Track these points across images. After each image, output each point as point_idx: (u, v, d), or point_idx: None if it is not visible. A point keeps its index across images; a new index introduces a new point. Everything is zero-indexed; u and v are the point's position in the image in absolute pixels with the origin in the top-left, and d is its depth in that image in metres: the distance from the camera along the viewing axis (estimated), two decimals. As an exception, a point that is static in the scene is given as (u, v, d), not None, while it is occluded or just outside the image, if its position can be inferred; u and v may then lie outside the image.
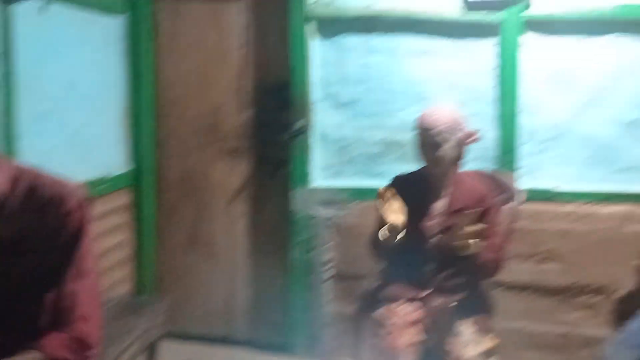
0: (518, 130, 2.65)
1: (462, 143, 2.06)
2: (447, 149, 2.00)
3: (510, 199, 2.28)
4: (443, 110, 2.05)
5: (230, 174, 2.96)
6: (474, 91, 2.68)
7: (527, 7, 2.58)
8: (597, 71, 2.59)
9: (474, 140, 2.14)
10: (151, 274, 3.01)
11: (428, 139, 2.01)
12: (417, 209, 2.04)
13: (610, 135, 2.60)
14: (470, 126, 2.13)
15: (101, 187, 2.63)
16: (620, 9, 2.51)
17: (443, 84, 2.69)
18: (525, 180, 2.66)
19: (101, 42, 2.67)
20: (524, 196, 2.24)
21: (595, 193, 2.63)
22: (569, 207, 2.66)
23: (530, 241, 2.69)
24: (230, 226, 3.00)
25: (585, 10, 2.54)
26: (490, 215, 2.05)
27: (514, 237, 2.26)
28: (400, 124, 2.72)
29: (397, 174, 2.24)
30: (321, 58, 2.76)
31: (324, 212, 2.82)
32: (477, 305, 2.05)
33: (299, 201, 2.80)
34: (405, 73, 2.71)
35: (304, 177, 2.80)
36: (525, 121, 2.66)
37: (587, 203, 2.63)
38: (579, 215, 2.65)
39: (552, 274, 2.68)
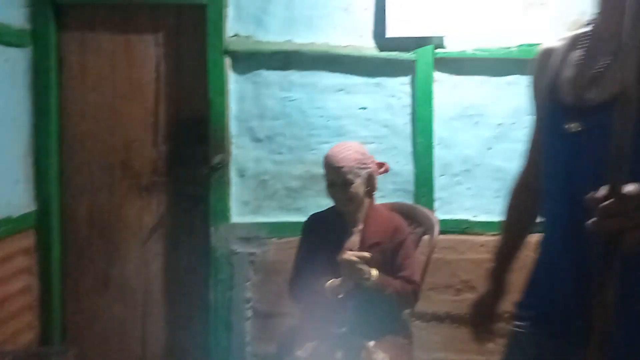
0: (433, 164, 2.72)
1: (373, 176, 2.08)
2: (357, 186, 2.02)
3: (427, 231, 2.33)
4: (348, 148, 2.06)
5: (144, 212, 2.83)
6: (390, 126, 2.74)
7: (440, 45, 2.69)
8: (504, 107, 2.72)
9: (384, 171, 2.18)
10: (58, 322, 2.79)
11: (337, 178, 2.02)
12: (332, 247, 2.03)
13: (518, 168, 2.72)
14: (377, 159, 2.17)
15: (2, 229, 2.43)
16: (524, 48, 2.66)
17: (361, 119, 2.73)
18: (441, 212, 2.74)
19: (3, 75, 2.50)
20: (439, 228, 2.29)
21: (506, 223, 2.73)
22: (482, 238, 2.75)
23: (447, 272, 2.75)
24: (145, 267, 2.85)
25: (493, 49, 2.68)
26: (406, 247, 2.07)
27: (432, 268, 2.30)
28: (320, 158, 2.71)
29: (312, 213, 2.24)
30: (239, 92, 2.72)
31: (243, 248, 2.77)
32: (395, 337, 2.06)
33: (218, 238, 2.73)
34: (324, 108, 2.72)
35: (222, 214, 2.73)
36: (440, 155, 2.74)
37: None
38: (493, 245, 2.74)
39: (469, 303, 2.74)
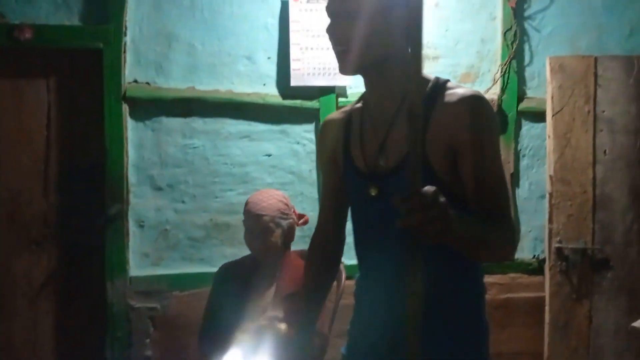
0: (339, 210, 2.73)
1: (293, 227, 2.06)
2: (276, 236, 1.98)
3: (335, 277, 2.31)
4: (271, 196, 2.03)
5: (34, 267, 2.62)
6: (296, 173, 2.73)
7: (342, 94, 2.74)
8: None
9: (304, 223, 2.16)
10: None
11: (257, 226, 1.97)
12: (246, 298, 1.96)
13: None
14: (296, 209, 2.15)
15: None
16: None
17: (266, 166, 2.71)
18: (348, 257, 2.73)
19: None
20: (346, 273, 2.28)
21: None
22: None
23: (355, 319, 2.73)
24: (34, 325, 2.63)
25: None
26: None
27: (339, 315, 2.27)
28: (224, 206, 2.67)
29: (224, 262, 2.18)
30: (138, 139, 2.62)
31: (142, 303, 2.62)
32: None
33: (114, 293, 2.57)
34: (228, 155, 2.68)
35: (119, 267, 2.58)
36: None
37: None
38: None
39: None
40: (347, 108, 1.39)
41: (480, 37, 2.87)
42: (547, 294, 2.78)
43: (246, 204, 2.04)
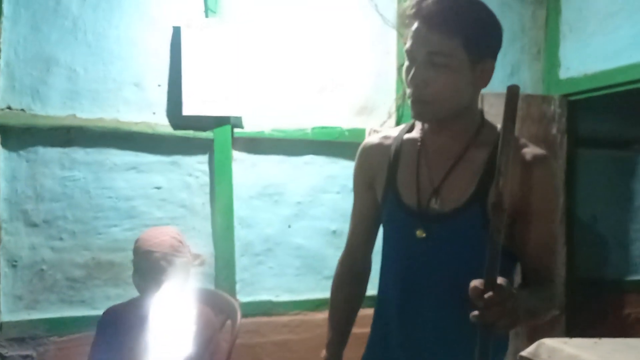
0: (234, 245, 2.64)
1: (187, 266, 1.95)
2: (171, 273, 1.86)
3: (229, 316, 2.23)
4: (164, 233, 1.93)
5: None
6: (188, 206, 2.61)
7: (238, 124, 2.66)
8: (302, 186, 2.77)
9: (200, 264, 2.06)
10: None
11: (147, 264, 1.84)
12: (135, 343, 1.82)
13: (317, 245, 2.78)
14: (192, 248, 2.04)
15: None
16: (317, 130, 2.75)
17: (155, 199, 2.57)
18: (243, 294, 2.66)
19: None
20: (241, 312, 2.20)
21: (307, 301, 2.74)
22: (285, 318, 2.71)
23: (251, 356, 2.64)
24: None
25: (289, 130, 2.73)
26: (214, 343, 1.96)
27: (235, 355, 2.17)
28: (108, 243, 2.49)
29: (108, 305, 2.04)
30: (11, 171, 2.38)
31: (15, 351, 2.38)
32: None
33: (-20, 343, 2.30)
34: (112, 188, 2.50)
35: (-14, 313, 2.32)
36: (240, 235, 2.67)
37: (301, 312, 2.73)
38: (295, 324, 2.72)
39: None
40: (391, 134, 1.36)
41: (376, 71, 2.92)
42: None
43: (136, 241, 1.93)
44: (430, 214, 1.21)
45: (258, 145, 2.71)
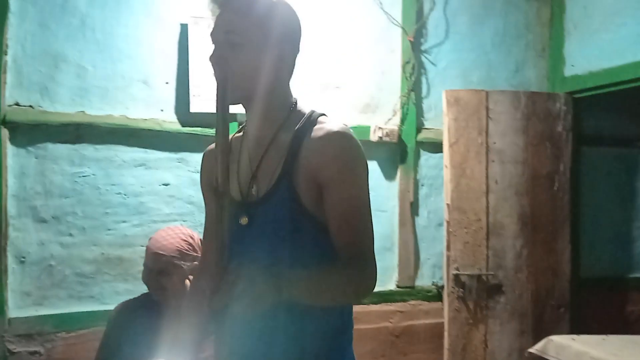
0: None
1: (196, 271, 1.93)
2: (176, 278, 1.83)
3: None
4: (175, 235, 1.88)
5: None
6: (196, 203, 2.62)
7: (244, 122, 2.66)
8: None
9: None
10: None
11: (153, 264, 1.83)
12: (145, 339, 1.81)
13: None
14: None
15: None
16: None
17: (163, 195, 2.58)
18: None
19: None
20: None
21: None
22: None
23: None
24: None
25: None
26: None
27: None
28: (117, 239, 2.50)
29: (118, 300, 2.01)
30: (20, 167, 2.39)
31: (23, 347, 2.38)
32: None
33: (-11, 338, 2.31)
34: (121, 184, 2.52)
35: (-4, 308, 2.33)
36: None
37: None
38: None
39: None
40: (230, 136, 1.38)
41: (381, 69, 2.93)
42: (445, 319, 2.85)
43: (149, 239, 1.90)
44: (250, 201, 1.25)
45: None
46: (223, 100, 1.10)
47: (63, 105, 2.44)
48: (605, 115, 3.32)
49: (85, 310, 2.43)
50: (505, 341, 2.86)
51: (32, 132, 2.41)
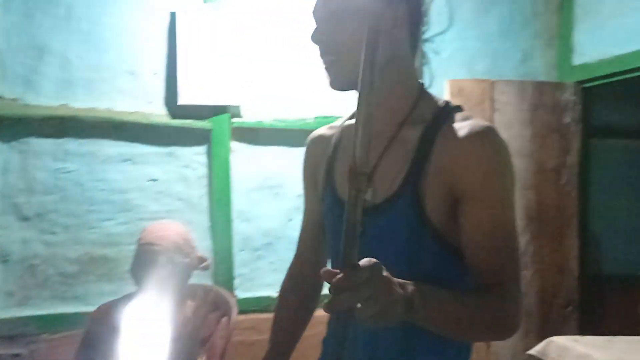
0: (232, 239, 2.56)
1: (189, 268, 1.86)
2: (167, 272, 1.77)
3: (225, 313, 2.15)
4: (170, 228, 1.84)
5: None
6: (185, 199, 2.53)
7: (237, 114, 2.57)
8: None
9: (204, 268, 1.97)
10: None
11: (146, 257, 1.76)
12: (128, 341, 1.74)
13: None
14: (199, 250, 1.95)
15: None
16: (320, 120, 2.65)
17: (151, 192, 2.48)
18: (242, 290, 2.58)
19: None
20: (238, 308, 2.12)
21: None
22: (286, 315, 2.62)
23: (249, 355, 2.55)
24: None
25: (290, 120, 2.63)
26: (210, 344, 1.88)
27: (232, 353, 2.09)
28: (102, 237, 2.41)
29: (102, 301, 1.93)
30: (3, 163, 2.31)
31: (5, 349, 2.31)
32: None
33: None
34: (106, 180, 2.42)
35: (-24, 310, 2.25)
36: (239, 229, 2.58)
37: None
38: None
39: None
40: (337, 123, 1.20)
41: (380, 58, 2.81)
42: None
43: (141, 231, 1.84)
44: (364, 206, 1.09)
45: (257, 135, 2.61)
46: (371, 65, 0.77)
47: (47, 98, 2.35)
48: (616, 106, 3.19)
49: (69, 311, 2.36)
50: (509, 341, 2.74)
51: (16, 126, 2.33)
